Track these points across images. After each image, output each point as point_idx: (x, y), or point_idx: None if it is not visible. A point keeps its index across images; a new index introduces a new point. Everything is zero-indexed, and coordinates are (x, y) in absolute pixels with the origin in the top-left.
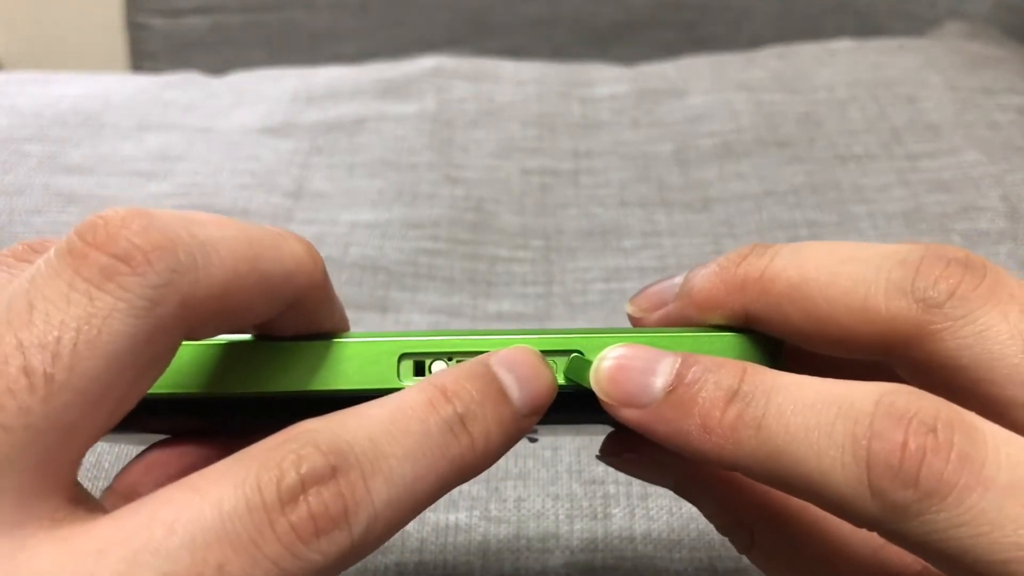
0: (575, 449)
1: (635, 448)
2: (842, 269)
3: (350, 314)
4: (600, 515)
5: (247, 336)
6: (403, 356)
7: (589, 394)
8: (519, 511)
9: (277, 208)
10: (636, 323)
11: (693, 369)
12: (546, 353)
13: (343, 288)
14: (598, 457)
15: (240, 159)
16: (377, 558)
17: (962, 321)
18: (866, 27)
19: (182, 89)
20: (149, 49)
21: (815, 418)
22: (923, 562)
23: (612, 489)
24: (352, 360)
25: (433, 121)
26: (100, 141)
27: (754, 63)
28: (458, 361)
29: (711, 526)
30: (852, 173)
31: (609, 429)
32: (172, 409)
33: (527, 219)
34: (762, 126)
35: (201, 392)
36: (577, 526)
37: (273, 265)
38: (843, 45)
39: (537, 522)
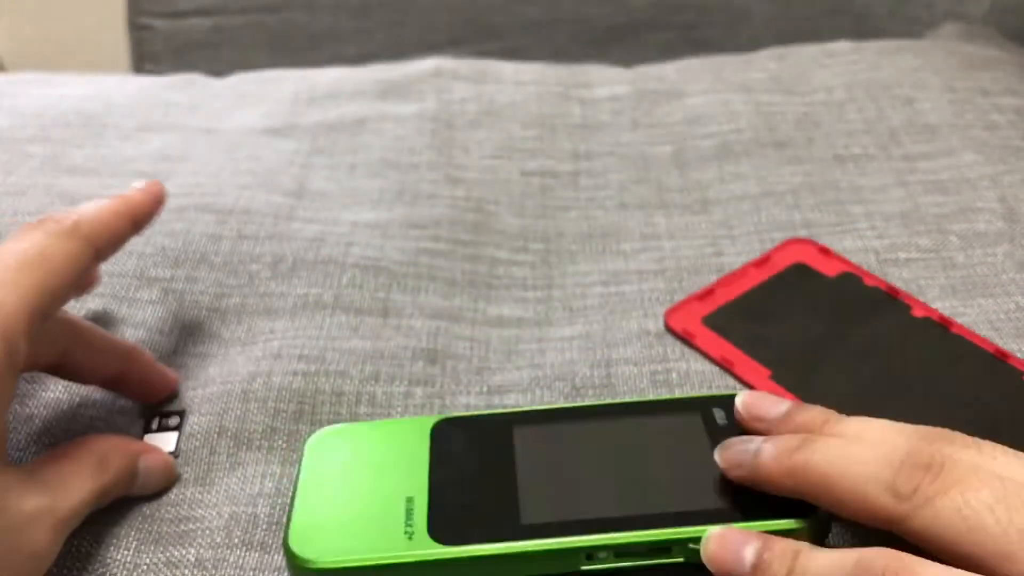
0: None
1: None
2: (853, 470)
3: (351, 318)
4: None
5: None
6: (587, 554)
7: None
8: None
9: (279, 207)
10: (724, 470)
11: (767, 554)
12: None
13: (344, 290)
14: None
15: (242, 159)
16: None
17: (922, 510)
18: (864, 29)
19: (184, 90)
20: (151, 50)
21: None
22: None
23: None
24: (547, 559)
25: (434, 121)
26: (102, 142)
27: (753, 64)
28: (621, 555)
29: None
30: (850, 174)
31: None
32: None
33: (527, 221)
34: (760, 127)
35: None
36: None
37: None
38: (841, 47)
39: None
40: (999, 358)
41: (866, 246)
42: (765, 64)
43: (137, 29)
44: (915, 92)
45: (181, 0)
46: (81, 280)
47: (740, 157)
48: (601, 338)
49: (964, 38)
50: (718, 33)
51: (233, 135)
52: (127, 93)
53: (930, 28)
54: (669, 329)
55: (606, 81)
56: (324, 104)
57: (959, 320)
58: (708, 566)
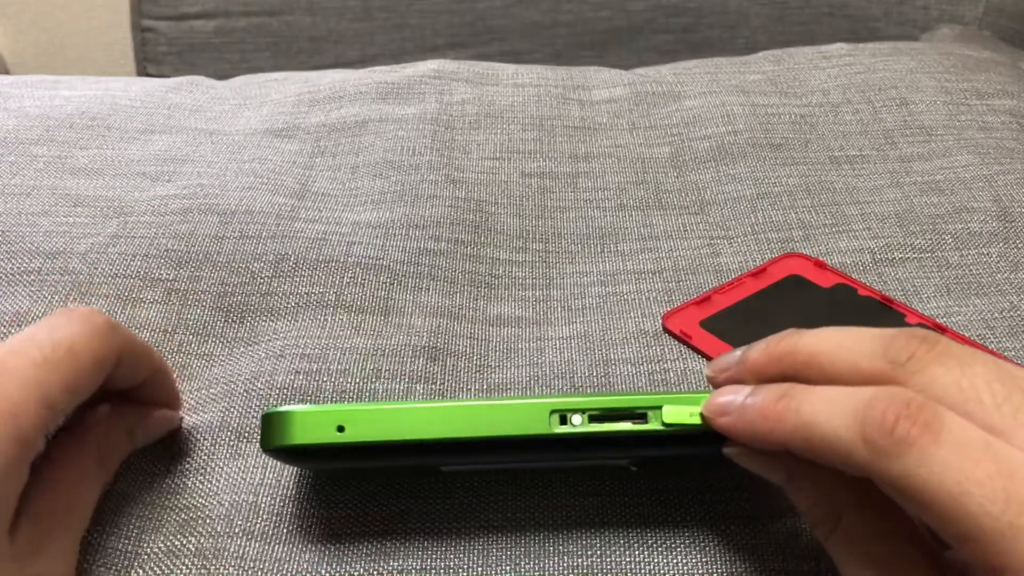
0: None
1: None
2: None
3: (353, 317)
4: (597, 521)
5: (437, 402)
6: (553, 411)
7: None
8: (518, 517)
9: (281, 208)
10: (712, 382)
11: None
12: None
13: (346, 289)
14: (725, 452)
15: (245, 161)
16: (379, 563)
17: (918, 376)
18: (860, 31)
19: (187, 92)
20: (155, 53)
21: (833, 403)
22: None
23: (609, 496)
24: (517, 414)
25: (434, 123)
26: (107, 144)
27: (749, 67)
28: (590, 416)
29: (706, 531)
30: (846, 175)
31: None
32: (379, 452)
33: (526, 222)
34: (757, 129)
35: (401, 439)
36: (575, 531)
37: None
38: (837, 49)
39: (536, 528)
40: None
41: (861, 246)
42: (762, 66)
43: (141, 31)
44: (910, 94)
45: (185, 3)
46: (102, 378)
47: (737, 159)
48: (599, 338)
49: (959, 40)
50: (715, 36)
51: (236, 137)
52: (131, 95)
53: (925, 30)
54: (667, 331)
55: (605, 83)
56: (326, 106)
57: (954, 319)
58: (705, 412)
